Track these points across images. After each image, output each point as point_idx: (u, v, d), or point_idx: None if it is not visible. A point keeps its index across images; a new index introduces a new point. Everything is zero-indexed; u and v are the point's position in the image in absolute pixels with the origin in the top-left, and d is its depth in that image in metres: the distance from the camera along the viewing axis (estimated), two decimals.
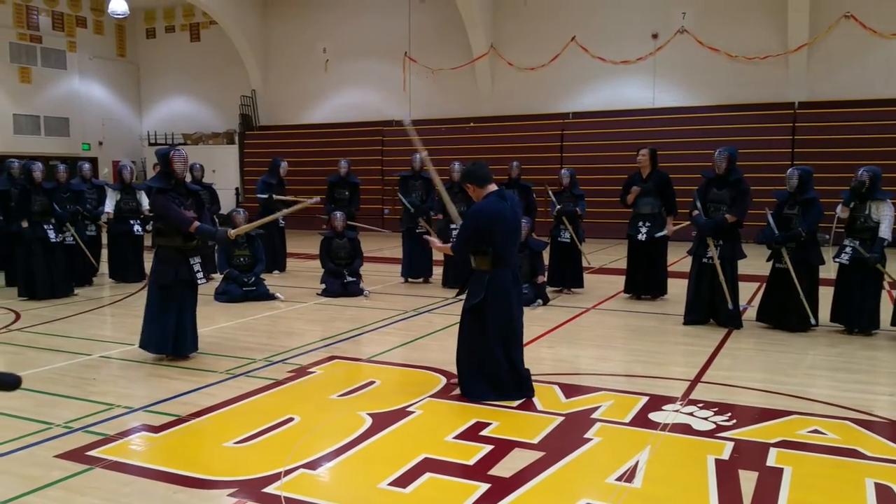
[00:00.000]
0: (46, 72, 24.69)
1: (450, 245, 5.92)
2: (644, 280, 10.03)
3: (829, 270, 8.36)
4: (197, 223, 6.68)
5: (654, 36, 20.48)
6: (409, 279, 11.66)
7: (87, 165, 12.38)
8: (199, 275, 6.91)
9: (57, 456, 4.48)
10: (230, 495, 3.94)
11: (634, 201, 9.95)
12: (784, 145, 18.65)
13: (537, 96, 21.91)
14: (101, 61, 27.05)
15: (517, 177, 11.13)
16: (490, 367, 5.59)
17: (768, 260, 8.26)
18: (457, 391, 5.76)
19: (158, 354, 6.85)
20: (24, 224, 9.98)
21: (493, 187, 5.69)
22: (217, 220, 12.42)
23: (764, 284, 8.54)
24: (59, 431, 4.93)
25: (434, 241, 6.50)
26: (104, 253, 12.32)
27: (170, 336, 6.75)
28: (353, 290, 10.36)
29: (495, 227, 5.50)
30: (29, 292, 10.16)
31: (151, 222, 12.09)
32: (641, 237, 9.81)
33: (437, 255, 11.04)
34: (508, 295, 5.59)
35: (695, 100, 20.25)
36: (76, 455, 4.49)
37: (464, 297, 5.80)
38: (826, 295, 8.16)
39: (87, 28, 26.47)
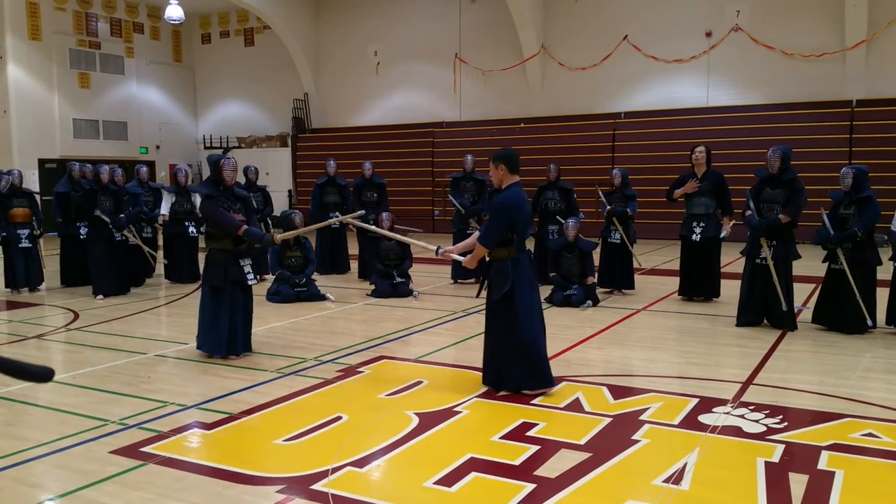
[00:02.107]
0: (105, 77, 25.24)
1: (477, 242, 5.88)
2: (699, 282, 9.90)
3: (886, 271, 8.16)
4: (245, 227, 6.82)
5: (708, 34, 20.17)
6: (459, 280, 11.68)
7: (144, 169, 12.70)
8: (250, 276, 7.02)
9: (112, 452, 4.60)
10: (279, 491, 4.00)
11: (687, 201, 9.82)
12: (841, 144, 18.22)
13: (588, 96, 21.76)
14: (158, 66, 27.60)
15: (556, 179, 11.13)
16: (531, 354, 5.69)
17: (824, 261, 8.10)
18: (502, 392, 5.77)
19: (213, 355, 6.99)
20: (96, 212, 10.42)
21: (517, 178, 5.94)
22: (271, 222, 12.62)
23: (820, 286, 8.37)
24: (114, 428, 5.05)
25: (454, 255, 6.35)
26: (160, 254, 12.56)
27: (223, 337, 6.91)
28: (403, 291, 10.42)
29: (521, 214, 5.76)
30: (98, 290, 10.62)
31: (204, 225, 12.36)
32: (696, 237, 9.68)
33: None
34: (533, 278, 5.88)
35: (749, 98, 19.89)
36: (131, 451, 4.60)
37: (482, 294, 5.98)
38: (884, 296, 7.97)
39: (144, 34, 27.03)
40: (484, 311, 6.01)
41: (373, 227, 8.43)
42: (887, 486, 4.09)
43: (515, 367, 5.70)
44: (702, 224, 9.69)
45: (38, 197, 11.97)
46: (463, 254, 6.23)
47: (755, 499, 3.86)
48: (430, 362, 6.90)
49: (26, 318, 9.35)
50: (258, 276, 12.29)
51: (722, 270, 10.14)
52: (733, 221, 9.71)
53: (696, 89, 20.54)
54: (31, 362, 2.80)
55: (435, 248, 6.32)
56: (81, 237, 11.16)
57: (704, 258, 9.79)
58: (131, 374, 6.54)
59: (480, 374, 6.30)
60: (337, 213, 12.67)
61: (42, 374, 2.44)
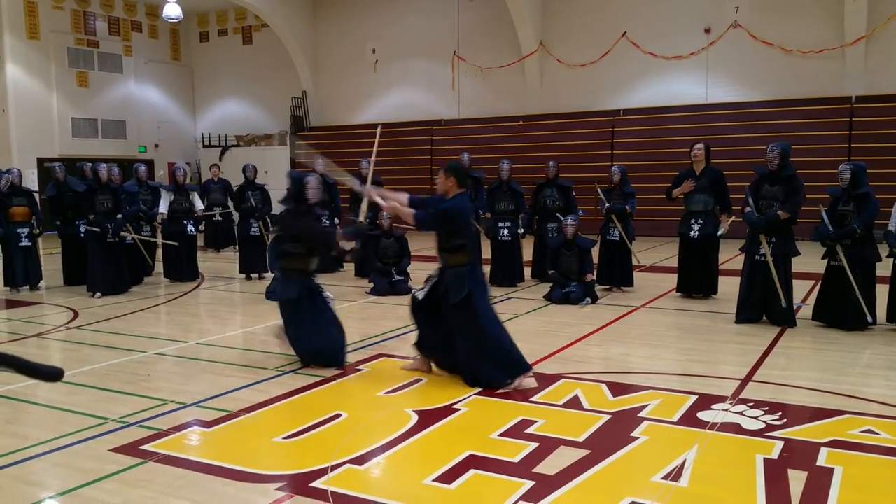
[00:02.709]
0: (103, 76, 25.22)
1: (413, 213, 6.01)
2: (697, 279, 9.89)
3: (885, 267, 8.16)
4: (344, 231, 6.82)
5: (707, 30, 20.17)
6: None
7: (142, 167, 12.73)
8: (326, 293, 6.78)
9: (112, 450, 4.59)
10: (278, 489, 4.00)
11: (686, 199, 9.81)
12: (841, 141, 18.22)
13: (587, 93, 21.75)
14: (156, 65, 27.59)
15: (555, 176, 11.16)
16: (498, 350, 5.86)
17: (823, 257, 8.09)
18: (504, 389, 5.78)
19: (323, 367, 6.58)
20: (91, 217, 10.46)
21: (463, 191, 6.12)
22: (269, 220, 12.62)
23: (819, 282, 8.37)
24: (114, 426, 5.05)
25: (384, 195, 6.37)
26: (158, 253, 12.57)
27: (321, 350, 6.58)
28: (401, 289, 10.41)
29: (469, 223, 6.15)
30: (93, 288, 10.65)
31: (204, 223, 12.38)
32: (694, 235, 9.67)
33: (487, 255, 11.05)
34: (485, 284, 6.14)
35: (748, 95, 19.88)
36: (130, 449, 4.60)
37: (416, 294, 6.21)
38: (883, 292, 7.97)
39: (143, 32, 27.01)
40: None
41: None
42: (886, 482, 4.09)
43: (486, 365, 5.83)
44: (700, 221, 9.67)
45: (36, 196, 11.98)
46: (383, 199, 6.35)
47: (754, 495, 3.86)
48: None
49: (26, 316, 9.35)
50: (259, 274, 12.38)
51: (721, 267, 10.14)
52: (732, 218, 9.69)
53: (695, 86, 20.54)
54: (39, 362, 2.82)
55: (361, 188, 6.49)
56: (82, 235, 11.17)
57: (702, 255, 9.77)
58: (131, 372, 6.54)
59: None
60: (327, 212, 12.68)
61: (52, 374, 2.46)
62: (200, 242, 17.35)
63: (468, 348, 5.90)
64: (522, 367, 5.89)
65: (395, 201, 6.28)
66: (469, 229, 6.15)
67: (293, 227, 6.74)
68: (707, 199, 9.67)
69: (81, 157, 14.67)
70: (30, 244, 11.26)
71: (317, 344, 6.54)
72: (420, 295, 6.15)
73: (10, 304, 10.23)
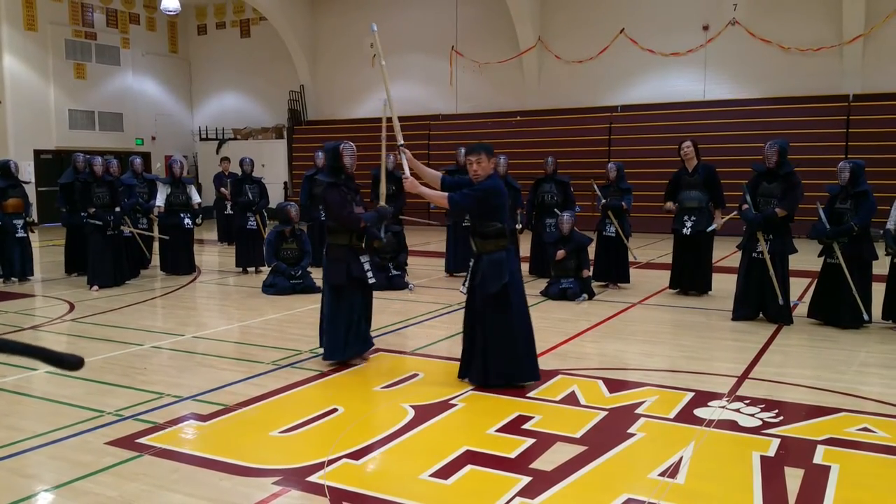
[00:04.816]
0: (101, 68, 25.17)
1: (447, 196, 5.75)
2: (690, 276, 9.88)
3: (882, 266, 8.17)
4: (364, 216, 6.41)
5: (705, 27, 20.18)
6: (454, 273, 11.67)
7: (138, 160, 12.74)
8: (370, 273, 6.54)
9: (108, 443, 4.59)
10: (275, 483, 4.00)
11: (679, 195, 9.74)
12: (838, 138, 18.25)
13: (585, 89, 21.76)
14: (154, 57, 27.54)
15: (553, 172, 11.16)
16: (527, 346, 5.76)
17: (820, 255, 8.10)
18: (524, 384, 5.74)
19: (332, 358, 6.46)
20: (92, 210, 10.45)
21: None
22: (267, 214, 12.61)
23: (816, 280, 8.38)
24: (110, 419, 5.05)
25: (406, 168, 6.02)
26: (155, 245, 12.56)
27: (341, 339, 6.37)
28: (398, 284, 10.41)
29: (504, 204, 5.80)
30: (93, 281, 10.63)
31: (201, 216, 12.37)
32: (686, 231, 9.63)
33: None
34: (519, 271, 5.91)
35: (746, 92, 19.91)
36: (126, 442, 4.59)
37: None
38: (879, 291, 7.98)
39: (140, 25, 26.97)
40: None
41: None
42: (883, 480, 4.10)
43: (508, 360, 5.68)
44: (693, 218, 9.62)
45: (26, 187, 12.03)
46: (416, 176, 6.04)
47: (750, 493, 3.87)
48: (426, 355, 6.90)
49: (22, 308, 9.34)
50: (255, 268, 12.36)
51: (717, 264, 10.14)
52: (726, 218, 9.66)
53: (693, 83, 20.56)
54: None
55: (400, 143, 6.07)
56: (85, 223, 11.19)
57: (696, 252, 9.72)
58: (127, 365, 6.53)
59: None
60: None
61: (74, 363, 2.46)
62: (213, 237, 17.42)
63: (493, 340, 5.67)
64: (537, 375, 5.79)
65: (426, 176, 6.07)
66: (505, 212, 5.81)
67: (323, 196, 6.53)
68: (701, 195, 9.61)
69: (78, 150, 14.59)
70: (25, 235, 11.31)
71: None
72: (463, 290, 5.81)
73: (6, 296, 10.20)
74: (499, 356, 5.68)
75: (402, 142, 6.03)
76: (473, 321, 5.83)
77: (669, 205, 9.84)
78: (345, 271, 6.32)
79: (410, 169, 6.06)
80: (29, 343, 2.33)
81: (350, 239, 6.40)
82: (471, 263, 5.98)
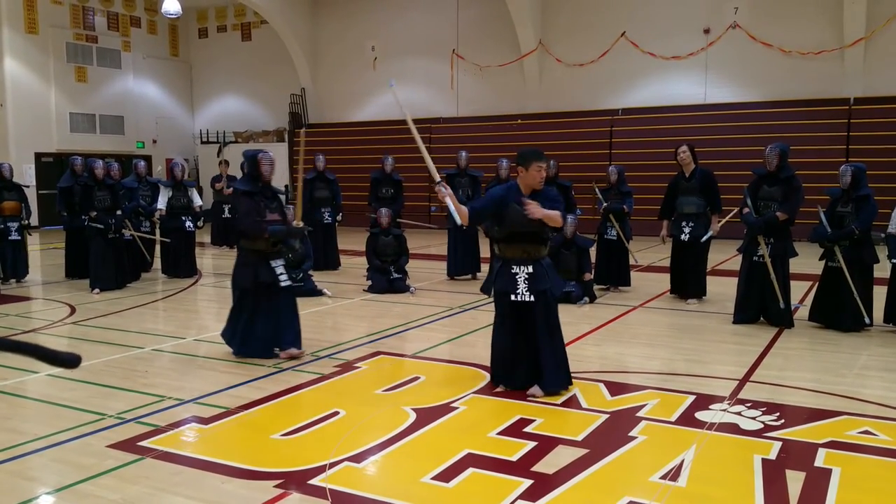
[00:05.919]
0: (102, 71, 25.17)
1: (558, 212, 5.60)
2: (684, 281, 9.79)
3: (883, 269, 8.17)
4: (270, 228, 6.64)
5: (706, 31, 20.17)
6: (455, 277, 11.68)
7: (142, 163, 12.77)
8: (283, 276, 6.75)
9: (110, 446, 4.59)
10: (276, 486, 4.00)
11: (677, 201, 9.69)
12: (839, 142, 18.23)
13: (586, 92, 21.75)
14: (155, 60, 27.55)
15: (555, 175, 11.12)
16: (565, 352, 5.81)
17: (821, 258, 8.11)
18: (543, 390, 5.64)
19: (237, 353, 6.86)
20: (93, 214, 10.46)
21: None
22: None
23: (816, 283, 8.38)
24: (112, 422, 5.05)
25: (536, 207, 5.59)
26: (157, 249, 12.56)
27: (248, 338, 6.78)
28: (399, 287, 10.41)
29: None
30: (95, 284, 10.63)
31: (203, 219, 12.39)
32: (684, 237, 9.58)
33: (486, 253, 11.03)
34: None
35: (747, 96, 19.89)
36: (128, 445, 4.60)
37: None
38: (881, 294, 7.98)
39: (141, 28, 26.98)
40: (475, 308, 5.96)
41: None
42: (884, 483, 4.10)
43: (558, 366, 5.69)
44: (691, 223, 9.56)
45: (26, 190, 12.09)
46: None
47: (752, 496, 3.87)
48: (427, 358, 6.90)
49: (22, 311, 9.34)
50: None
51: (717, 268, 10.15)
52: (722, 221, 9.61)
53: (694, 86, 20.54)
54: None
55: (440, 179, 5.99)
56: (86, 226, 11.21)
57: (691, 258, 9.65)
58: (128, 368, 6.53)
59: (477, 369, 6.31)
60: (329, 209, 12.68)
61: (71, 360, 2.46)
62: (207, 239, 17.39)
63: (547, 346, 5.66)
64: (569, 380, 5.80)
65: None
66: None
67: (235, 205, 6.81)
68: (698, 200, 9.50)
69: (79, 153, 14.59)
70: (19, 238, 11.43)
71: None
72: (518, 297, 5.67)
73: (7, 299, 10.20)
74: (553, 362, 5.65)
75: (440, 178, 6.01)
76: (530, 328, 5.70)
77: (664, 233, 10.02)
78: (251, 275, 6.66)
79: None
80: (24, 341, 2.34)
81: (265, 245, 6.68)
82: (494, 275, 5.92)
